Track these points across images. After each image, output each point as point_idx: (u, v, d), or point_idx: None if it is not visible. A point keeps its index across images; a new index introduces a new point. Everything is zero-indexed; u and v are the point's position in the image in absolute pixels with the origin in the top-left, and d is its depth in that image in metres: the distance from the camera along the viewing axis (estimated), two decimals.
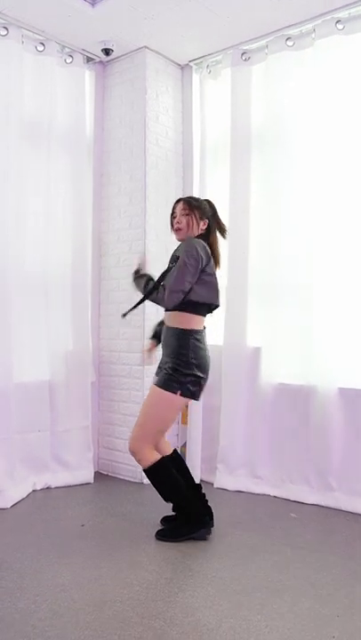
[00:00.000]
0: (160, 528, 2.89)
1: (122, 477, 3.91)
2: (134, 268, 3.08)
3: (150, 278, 2.95)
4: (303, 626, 2.02)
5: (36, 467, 3.62)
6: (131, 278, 3.07)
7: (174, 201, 2.94)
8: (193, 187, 4.05)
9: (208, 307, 2.82)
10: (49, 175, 3.70)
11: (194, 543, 2.77)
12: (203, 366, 2.77)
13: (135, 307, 2.93)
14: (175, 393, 2.72)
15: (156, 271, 2.95)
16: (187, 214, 2.83)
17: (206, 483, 3.73)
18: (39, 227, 3.68)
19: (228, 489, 3.65)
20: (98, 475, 3.94)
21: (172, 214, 2.91)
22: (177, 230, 2.87)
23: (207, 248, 2.77)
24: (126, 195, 3.95)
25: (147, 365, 3.16)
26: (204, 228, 2.87)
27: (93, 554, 2.64)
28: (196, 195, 3.93)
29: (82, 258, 3.83)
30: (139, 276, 3.02)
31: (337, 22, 3.35)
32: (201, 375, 2.76)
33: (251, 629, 1.99)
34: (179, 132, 4.17)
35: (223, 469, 3.73)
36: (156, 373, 2.86)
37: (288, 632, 1.98)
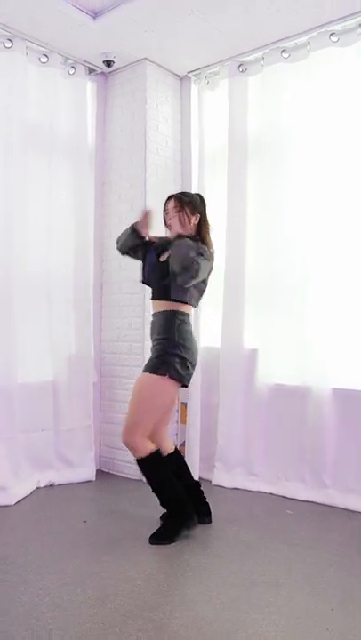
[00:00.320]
0: (153, 532, 2.77)
1: (123, 475, 3.91)
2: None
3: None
4: (298, 619, 2.03)
5: (40, 465, 3.63)
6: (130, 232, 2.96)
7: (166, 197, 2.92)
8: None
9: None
10: (52, 182, 3.71)
11: (192, 540, 2.77)
12: (189, 348, 2.74)
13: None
14: (163, 375, 2.67)
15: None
16: (178, 211, 2.82)
17: (204, 480, 3.73)
18: (42, 232, 3.69)
19: (226, 486, 3.66)
20: (100, 472, 3.94)
21: (164, 210, 2.90)
22: (169, 226, 2.87)
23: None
24: (127, 202, 3.96)
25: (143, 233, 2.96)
26: (196, 222, 2.87)
27: (95, 549, 2.64)
28: None
29: (84, 262, 3.84)
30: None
31: (331, 35, 3.36)
32: (186, 357, 2.72)
33: (248, 623, 2.00)
34: (178, 140, 4.18)
35: (221, 467, 3.73)
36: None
37: (284, 625, 1.99)
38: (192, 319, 2.89)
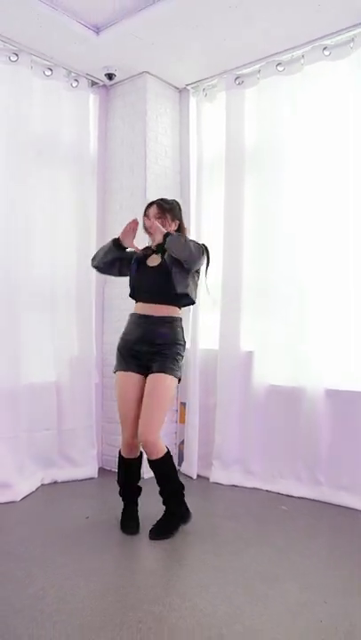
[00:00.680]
0: (152, 528, 2.77)
1: None
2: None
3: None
4: (293, 611, 2.04)
5: (44, 463, 3.63)
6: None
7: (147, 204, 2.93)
8: (190, 202, 4.08)
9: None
10: (55, 191, 3.72)
11: (191, 535, 2.78)
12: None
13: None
14: (179, 379, 2.78)
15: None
16: (159, 217, 2.83)
17: (202, 478, 3.75)
18: (46, 239, 3.70)
19: (223, 483, 3.66)
20: (101, 470, 3.94)
21: (144, 215, 2.89)
22: (150, 234, 2.87)
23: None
24: (128, 210, 3.98)
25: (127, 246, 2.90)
26: (176, 228, 2.88)
27: (97, 544, 2.66)
28: (192, 209, 3.98)
29: (86, 268, 3.84)
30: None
31: (324, 49, 3.39)
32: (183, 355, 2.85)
33: (244, 615, 2.01)
34: (177, 151, 4.20)
35: (218, 465, 3.74)
36: (148, 360, 2.79)
37: (279, 617, 2.00)
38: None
